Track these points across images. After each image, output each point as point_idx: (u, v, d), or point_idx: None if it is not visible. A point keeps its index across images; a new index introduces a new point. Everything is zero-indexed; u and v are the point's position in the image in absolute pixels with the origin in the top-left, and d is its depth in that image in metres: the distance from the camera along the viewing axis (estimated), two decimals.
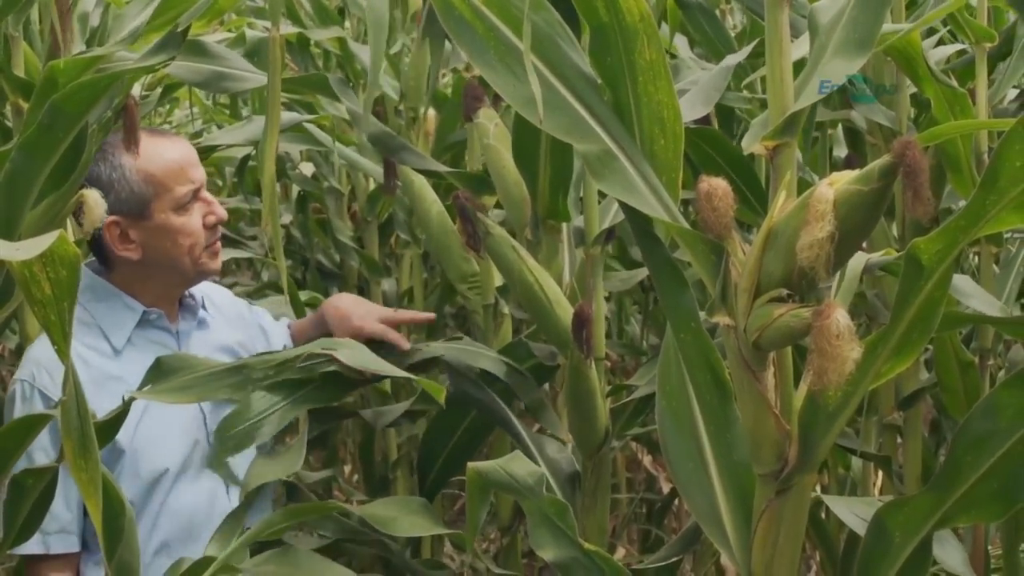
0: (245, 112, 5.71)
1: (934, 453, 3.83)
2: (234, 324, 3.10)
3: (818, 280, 1.91)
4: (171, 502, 2.79)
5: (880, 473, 3.88)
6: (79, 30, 3.16)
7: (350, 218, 5.20)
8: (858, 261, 2.26)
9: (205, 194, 2.87)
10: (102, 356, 2.77)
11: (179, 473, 2.80)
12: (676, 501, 5.29)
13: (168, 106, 6.98)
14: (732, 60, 2.65)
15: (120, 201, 2.73)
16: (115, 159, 2.75)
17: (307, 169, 5.42)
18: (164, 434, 2.78)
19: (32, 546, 2.64)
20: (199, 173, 2.86)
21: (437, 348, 3.12)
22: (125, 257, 2.81)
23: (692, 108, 2.41)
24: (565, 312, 2.89)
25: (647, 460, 5.62)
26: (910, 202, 1.80)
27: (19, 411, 2.69)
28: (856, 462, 3.87)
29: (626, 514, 5.31)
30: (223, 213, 2.89)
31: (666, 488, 5.49)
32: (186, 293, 2.95)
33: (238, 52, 3.68)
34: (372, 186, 4.91)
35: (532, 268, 2.93)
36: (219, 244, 2.93)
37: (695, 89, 2.52)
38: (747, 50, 2.96)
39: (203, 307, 3.01)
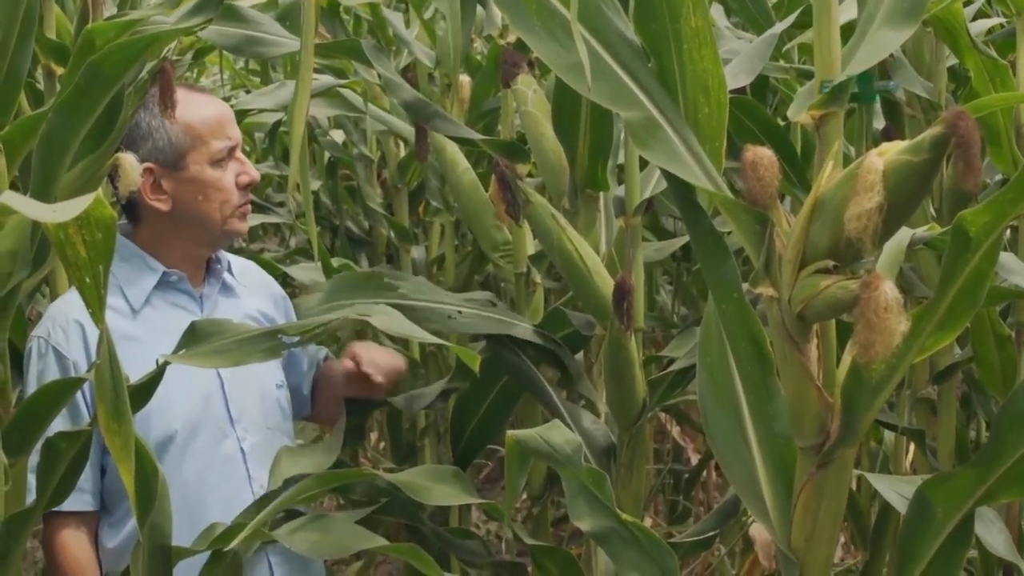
0: (276, 77, 5.69)
1: (965, 427, 3.81)
2: (260, 294, 3.07)
3: (864, 251, 1.88)
4: (183, 471, 2.73)
5: (912, 447, 3.85)
6: None
7: (380, 185, 5.19)
8: (902, 236, 2.22)
9: (240, 154, 2.87)
10: (119, 315, 2.73)
11: (188, 439, 2.76)
12: (704, 472, 5.28)
13: (195, 72, 6.96)
14: (777, 29, 2.61)
15: (157, 149, 2.74)
16: (156, 108, 2.71)
17: (337, 136, 5.41)
18: (176, 394, 2.70)
19: None
20: (236, 132, 2.87)
21: (471, 318, 3.10)
22: (154, 208, 2.79)
23: (735, 77, 2.38)
24: (604, 282, 2.87)
25: (675, 431, 5.61)
26: (961, 173, 1.78)
27: (35, 368, 2.71)
28: (888, 435, 3.86)
29: (653, 485, 5.29)
30: (256, 175, 2.89)
31: (694, 459, 5.49)
32: (213, 256, 2.93)
33: (270, 16, 3.65)
34: (403, 153, 4.90)
35: (572, 237, 2.89)
36: (249, 207, 2.92)
37: (739, 58, 2.49)
38: (791, 19, 2.92)
39: (229, 271, 2.98)
